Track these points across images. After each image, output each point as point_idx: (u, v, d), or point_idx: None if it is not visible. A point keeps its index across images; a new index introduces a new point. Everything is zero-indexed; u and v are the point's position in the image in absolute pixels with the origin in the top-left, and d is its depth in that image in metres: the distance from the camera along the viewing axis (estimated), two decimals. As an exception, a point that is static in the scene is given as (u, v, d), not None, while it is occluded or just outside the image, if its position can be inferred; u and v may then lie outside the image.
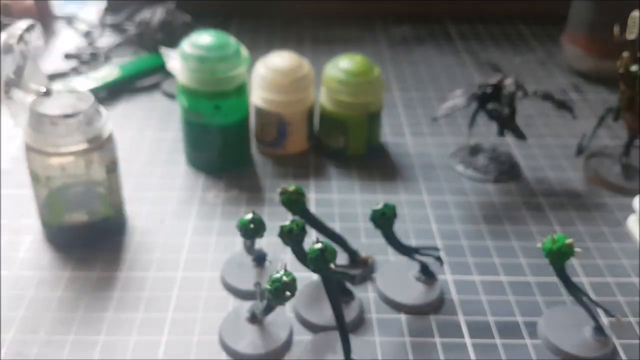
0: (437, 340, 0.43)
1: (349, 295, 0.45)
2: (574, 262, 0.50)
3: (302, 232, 0.40)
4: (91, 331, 0.42)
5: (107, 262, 0.48)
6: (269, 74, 0.60)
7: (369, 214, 0.43)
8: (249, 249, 0.47)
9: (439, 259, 0.46)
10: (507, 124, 0.57)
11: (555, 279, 0.48)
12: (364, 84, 0.59)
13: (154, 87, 0.75)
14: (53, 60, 0.80)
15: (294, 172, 0.60)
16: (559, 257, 0.39)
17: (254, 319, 0.42)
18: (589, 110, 0.72)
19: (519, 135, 0.58)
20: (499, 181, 0.60)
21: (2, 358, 0.40)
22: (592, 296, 0.46)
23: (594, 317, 0.41)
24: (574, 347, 0.41)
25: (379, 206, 0.43)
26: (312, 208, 0.55)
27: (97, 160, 0.47)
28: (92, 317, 0.43)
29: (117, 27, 0.89)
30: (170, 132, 0.66)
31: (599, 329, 0.42)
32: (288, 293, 0.35)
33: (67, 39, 0.87)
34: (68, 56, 0.81)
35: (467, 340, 0.43)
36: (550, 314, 0.44)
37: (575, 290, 0.41)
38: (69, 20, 0.92)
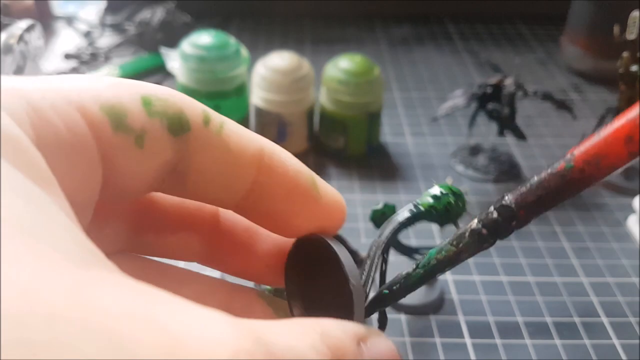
0: (437, 340, 0.43)
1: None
2: (574, 263, 0.50)
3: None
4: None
5: (107, 262, 0.48)
6: (269, 74, 0.60)
7: (369, 214, 0.43)
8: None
9: (439, 259, 0.46)
10: (507, 124, 0.57)
11: (555, 278, 0.48)
12: (364, 84, 0.59)
13: (154, 87, 0.75)
14: (53, 60, 0.80)
15: (294, 172, 0.60)
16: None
17: None
18: (589, 110, 0.72)
19: (519, 135, 0.58)
20: (499, 181, 0.60)
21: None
22: (593, 296, 0.47)
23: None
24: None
25: (379, 206, 0.43)
26: (312, 208, 0.55)
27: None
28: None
29: (117, 27, 0.89)
30: (170, 132, 0.66)
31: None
32: None
33: (67, 39, 0.87)
34: (68, 56, 0.81)
35: (467, 340, 0.43)
36: None
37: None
38: (69, 20, 0.92)
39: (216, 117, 0.17)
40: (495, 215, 0.23)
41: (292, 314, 0.20)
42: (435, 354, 0.41)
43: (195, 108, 0.17)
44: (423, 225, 0.53)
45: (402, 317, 0.44)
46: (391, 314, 0.45)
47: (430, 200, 0.22)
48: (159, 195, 0.20)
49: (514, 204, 0.23)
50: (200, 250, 0.20)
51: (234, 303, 0.20)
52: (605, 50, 0.75)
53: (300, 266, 0.19)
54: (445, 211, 0.23)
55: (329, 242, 0.18)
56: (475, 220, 0.24)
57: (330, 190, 0.19)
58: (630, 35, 0.53)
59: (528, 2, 0.95)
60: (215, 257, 0.21)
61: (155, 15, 0.81)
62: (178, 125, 0.16)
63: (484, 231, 0.24)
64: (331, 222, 0.19)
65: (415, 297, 0.45)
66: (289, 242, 0.20)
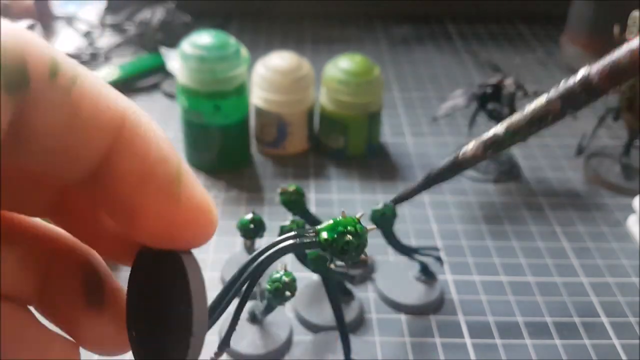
0: (437, 340, 0.43)
1: (349, 295, 0.45)
2: (574, 263, 0.50)
3: (302, 232, 0.40)
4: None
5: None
6: (269, 74, 0.60)
7: (369, 214, 0.43)
8: (249, 249, 0.47)
9: (439, 259, 0.46)
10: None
11: (555, 278, 0.48)
12: (364, 84, 0.59)
13: (154, 87, 0.75)
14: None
15: (294, 172, 0.60)
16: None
17: (254, 319, 0.42)
18: (589, 110, 0.72)
19: (519, 135, 0.58)
20: (499, 181, 0.60)
21: None
22: (593, 296, 0.46)
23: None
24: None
25: (379, 206, 0.43)
26: (312, 208, 0.55)
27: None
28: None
29: (117, 27, 0.89)
30: (170, 132, 0.66)
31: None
32: (288, 293, 0.35)
33: (67, 39, 0.87)
34: (68, 56, 0.81)
35: (467, 340, 0.43)
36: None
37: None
38: (69, 20, 0.92)
39: (69, 69, 0.13)
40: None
41: (127, 312, 0.17)
42: (435, 354, 0.41)
43: (41, 56, 0.13)
44: (423, 225, 0.54)
45: (402, 317, 0.44)
46: (391, 314, 0.45)
47: (330, 235, 0.19)
48: None
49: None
50: (48, 208, 0.17)
51: (50, 270, 0.17)
52: (605, 50, 0.75)
53: (149, 270, 0.16)
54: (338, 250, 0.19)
55: (181, 257, 0.15)
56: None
57: (197, 195, 0.15)
58: (630, 35, 0.53)
59: (528, 2, 0.95)
60: (63, 219, 0.17)
61: (155, 15, 0.81)
62: (15, 80, 0.12)
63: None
64: (189, 233, 0.15)
65: (415, 297, 0.45)
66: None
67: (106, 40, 0.86)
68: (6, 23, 0.12)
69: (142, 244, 0.15)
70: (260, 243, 0.48)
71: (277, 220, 0.42)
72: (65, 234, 0.17)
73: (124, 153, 0.14)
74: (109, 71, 0.75)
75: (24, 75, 0.12)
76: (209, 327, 0.16)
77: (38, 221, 0.17)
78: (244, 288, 0.19)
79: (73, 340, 0.17)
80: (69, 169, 0.14)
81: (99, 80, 0.14)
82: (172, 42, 0.75)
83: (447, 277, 0.48)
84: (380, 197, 0.57)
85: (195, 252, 0.16)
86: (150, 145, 0.15)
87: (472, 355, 0.41)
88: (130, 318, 0.16)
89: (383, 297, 0.46)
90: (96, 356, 0.39)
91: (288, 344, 0.42)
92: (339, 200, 0.56)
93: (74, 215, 0.17)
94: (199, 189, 0.15)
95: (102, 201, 0.15)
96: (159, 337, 0.15)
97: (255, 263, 0.18)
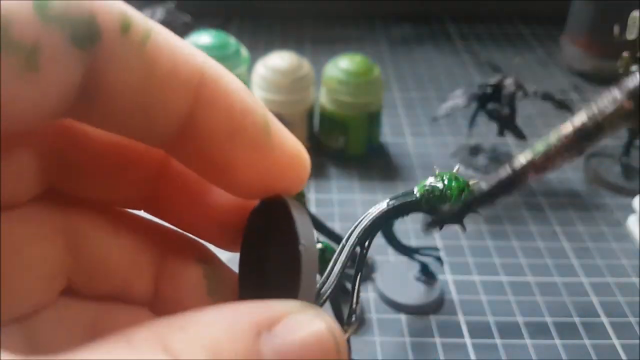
0: (437, 340, 0.43)
1: (349, 295, 0.45)
2: (574, 262, 0.50)
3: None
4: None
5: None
6: (269, 74, 0.60)
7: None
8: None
9: (439, 259, 0.46)
10: (507, 124, 0.57)
11: (555, 278, 0.48)
12: (364, 84, 0.59)
13: (154, 87, 0.75)
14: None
15: (294, 172, 0.60)
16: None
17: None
18: (589, 110, 0.72)
19: (519, 135, 0.58)
20: (499, 181, 0.59)
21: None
22: (593, 296, 0.47)
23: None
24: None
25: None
26: (312, 208, 0.55)
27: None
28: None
29: (117, 27, 0.89)
30: (170, 132, 0.66)
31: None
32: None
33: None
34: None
35: (467, 340, 0.43)
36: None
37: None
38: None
39: (141, 23, 0.13)
40: None
41: (239, 289, 0.17)
42: (435, 354, 0.41)
43: (111, 9, 0.12)
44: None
45: (402, 317, 0.44)
46: (391, 314, 0.45)
47: (428, 185, 0.20)
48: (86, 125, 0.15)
49: None
50: (144, 197, 0.17)
51: (164, 269, 0.17)
52: (605, 50, 0.75)
53: (261, 233, 0.16)
54: (440, 196, 0.20)
55: (287, 200, 0.15)
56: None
57: (288, 140, 0.16)
58: (630, 35, 0.53)
59: (528, 2, 0.95)
60: (162, 206, 0.17)
61: (155, 15, 0.81)
62: (85, 34, 0.12)
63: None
64: (286, 179, 0.16)
65: (415, 297, 0.45)
66: (252, 203, 0.16)
67: (106, 40, 0.86)
68: None
69: (244, 197, 0.16)
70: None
71: (277, 220, 0.42)
72: (174, 228, 0.18)
73: (208, 109, 0.14)
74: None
75: (94, 29, 0.12)
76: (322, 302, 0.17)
77: (146, 216, 0.17)
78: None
79: None
80: (150, 130, 0.14)
81: (174, 36, 0.14)
82: (172, 42, 0.75)
83: (447, 277, 0.48)
84: (380, 197, 0.57)
85: None
86: (233, 98, 0.14)
87: (472, 355, 0.41)
88: (242, 271, 0.17)
89: (383, 297, 0.46)
90: None
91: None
92: (339, 200, 0.56)
93: (169, 203, 0.17)
94: (289, 135, 0.16)
95: (194, 160, 0.15)
96: (269, 290, 0.15)
97: (356, 233, 0.19)
